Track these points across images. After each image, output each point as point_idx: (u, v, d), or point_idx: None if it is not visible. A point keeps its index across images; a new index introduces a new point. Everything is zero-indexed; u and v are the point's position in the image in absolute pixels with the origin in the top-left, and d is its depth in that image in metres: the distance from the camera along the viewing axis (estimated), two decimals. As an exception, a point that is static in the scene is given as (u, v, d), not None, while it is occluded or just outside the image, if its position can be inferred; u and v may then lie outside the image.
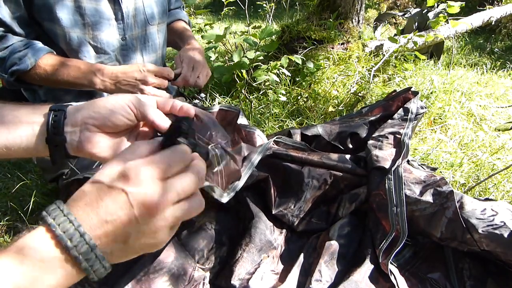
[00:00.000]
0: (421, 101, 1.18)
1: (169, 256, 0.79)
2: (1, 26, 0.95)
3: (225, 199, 0.71)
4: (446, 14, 2.18)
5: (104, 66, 1.00)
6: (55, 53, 1.02)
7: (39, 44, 1.00)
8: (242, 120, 1.02)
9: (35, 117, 0.50)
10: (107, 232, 0.36)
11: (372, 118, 1.11)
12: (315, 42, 2.19)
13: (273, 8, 2.80)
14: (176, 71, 1.07)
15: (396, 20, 4.55)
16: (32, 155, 0.52)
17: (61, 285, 0.35)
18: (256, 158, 0.87)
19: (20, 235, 0.35)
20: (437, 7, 2.44)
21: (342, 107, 1.82)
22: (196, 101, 1.21)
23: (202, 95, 1.23)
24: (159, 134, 0.52)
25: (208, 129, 0.56)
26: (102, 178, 0.37)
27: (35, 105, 0.52)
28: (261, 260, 0.84)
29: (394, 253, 0.80)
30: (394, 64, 2.33)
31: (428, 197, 0.83)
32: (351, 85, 1.99)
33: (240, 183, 0.80)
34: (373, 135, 1.03)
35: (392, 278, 0.79)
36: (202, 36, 2.00)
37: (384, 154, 0.93)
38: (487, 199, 0.93)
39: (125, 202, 0.36)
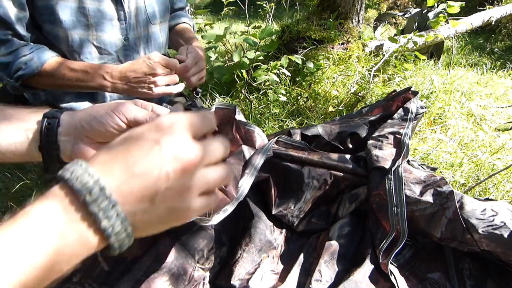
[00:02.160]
0: (421, 101, 1.18)
1: (169, 256, 0.79)
2: (8, 29, 0.94)
3: (220, 216, 0.73)
4: (446, 14, 2.18)
5: (110, 66, 0.99)
6: (60, 57, 1.02)
7: (44, 48, 0.99)
8: (238, 117, 1.02)
9: (29, 123, 0.49)
10: (133, 189, 0.31)
11: (372, 118, 1.10)
12: (315, 42, 2.19)
13: (273, 8, 2.80)
14: (179, 56, 1.07)
15: (396, 20, 4.55)
16: (27, 161, 0.52)
17: (75, 255, 0.30)
18: (259, 162, 0.87)
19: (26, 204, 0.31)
20: (437, 7, 2.44)
21: (342, 107, 1.82)
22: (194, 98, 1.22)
23: (199, 90, 1.22)
24: None
25: None
26: (130, 133, 0.34)
27: (31, 109, 0.51)
28: (261, 260, 0.84)
29: (394, 253, 0.80)
30: (394, 64, 2.33)
31: (428, 197, 0.83)
32: (351, 85, 1.99)
33: (244, 192, 0.80)
34: (373, 135, 1.03)
35: (392, 278, 0.79)
36: (202, 36, 1.99)
37: (384, 154, 0.93)
38: (487, 199, 0.93)
39: (158, 154, 0.32)
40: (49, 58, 0.97)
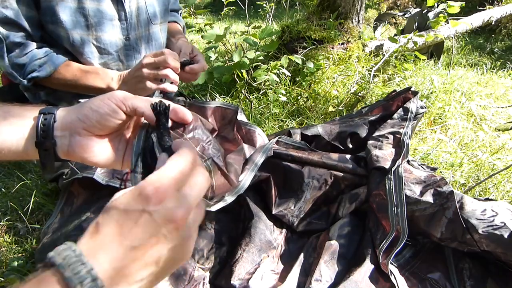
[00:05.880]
0: (421, 101, 1.18)
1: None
2: (21, 31, 0.97)
3: (219, 205, 0.72)
4: (446, 14, 2.18)
5: (122, 72, 1.04)
6: (71, 61, 1.05)
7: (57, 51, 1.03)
8: (241, 117, 1.02)
9: (25, 120, 0.48)
10: (135, 258, 0.32)
11: (372, 118, 1.11)
12: (315, 42, 2.19)
13: (273, 8, 2.80)
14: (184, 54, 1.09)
15: (396, 20, 4.55)
16: (23, 158, 0.50)
17: None
18: (260, 160, 0.87)
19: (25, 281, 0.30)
20: (437, 7, 2.44)
21: (342, 107, 1.82)
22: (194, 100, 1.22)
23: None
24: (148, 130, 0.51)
25: (201, 140, 0.52)
26: (118, 204, 0.34)
27: (27, 107, 0.50)
28: (261, 260, 0.84)
29: (394, 253, 0.80)
30: (394, 64, 2.33)
31: (428, 197, 0.83)
32: (351, 85, 1.99)
33: (244, 186, 0.80)
34: (373, 135, 1.03)
35: (392, 278, 0.79)
36: (202, 36, 2.00)
37: (384, 154, 0.93)
38: (487, 199, 0.93)
39: (150, 222, 0.33)
40: (63, 62, 1.02)
